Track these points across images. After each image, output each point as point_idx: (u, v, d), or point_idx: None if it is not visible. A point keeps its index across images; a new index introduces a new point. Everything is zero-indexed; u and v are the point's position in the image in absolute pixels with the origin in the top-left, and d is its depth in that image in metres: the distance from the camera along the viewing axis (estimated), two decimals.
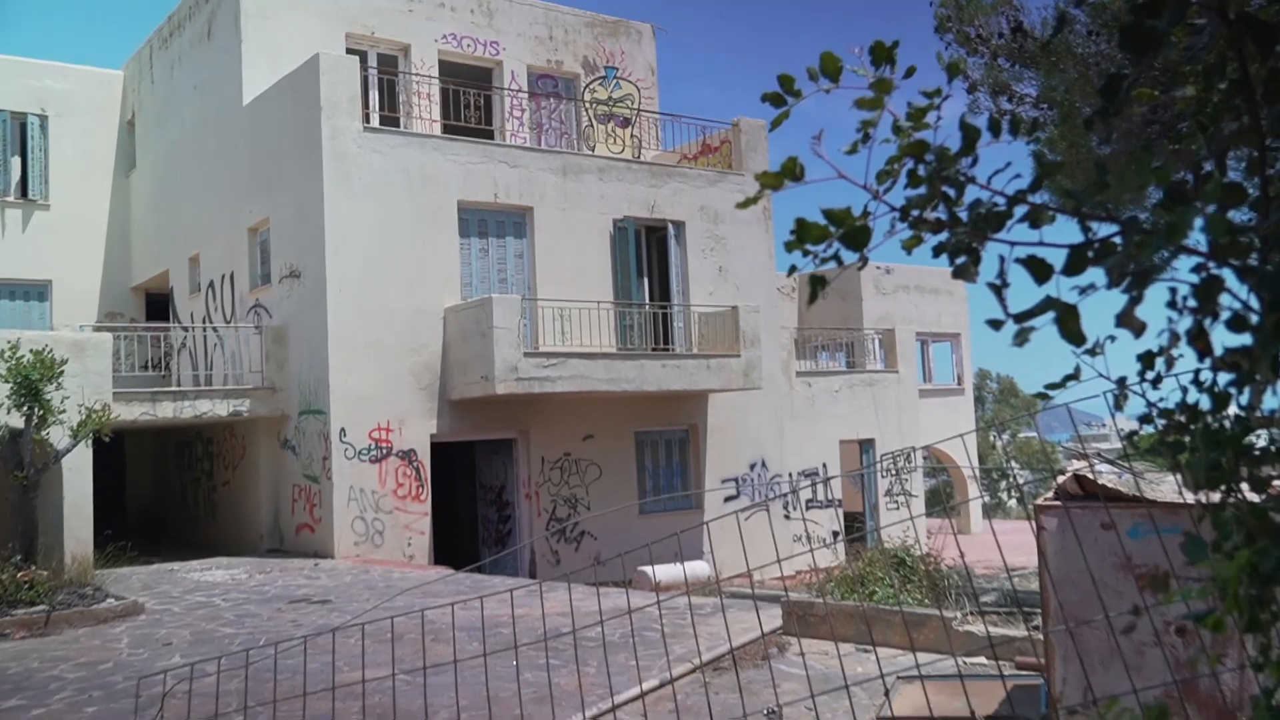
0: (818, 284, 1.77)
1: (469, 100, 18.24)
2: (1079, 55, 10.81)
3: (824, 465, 21.39)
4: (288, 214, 16.18)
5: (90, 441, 11.97)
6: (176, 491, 20.24)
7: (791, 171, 1.72)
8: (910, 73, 2.01)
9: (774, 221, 19.84)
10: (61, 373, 11.51)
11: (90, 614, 10.55)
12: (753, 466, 19.02)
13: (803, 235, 1.81)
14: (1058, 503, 4.95)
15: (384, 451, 15.25)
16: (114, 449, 20.49)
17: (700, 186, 18.60)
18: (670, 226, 18.13)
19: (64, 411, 11.69)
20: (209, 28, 18.98)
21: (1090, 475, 5.03)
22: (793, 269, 1.70)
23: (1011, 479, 44.34)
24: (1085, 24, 10.81)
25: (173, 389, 16.12)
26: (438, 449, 16.28)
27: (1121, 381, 1.82)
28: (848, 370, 22.95)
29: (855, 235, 1.66)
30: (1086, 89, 10.56)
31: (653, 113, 20.79)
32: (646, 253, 18.30)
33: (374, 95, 18.03)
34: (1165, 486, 4.69)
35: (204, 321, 18.98)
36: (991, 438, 45.14)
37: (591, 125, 20.53)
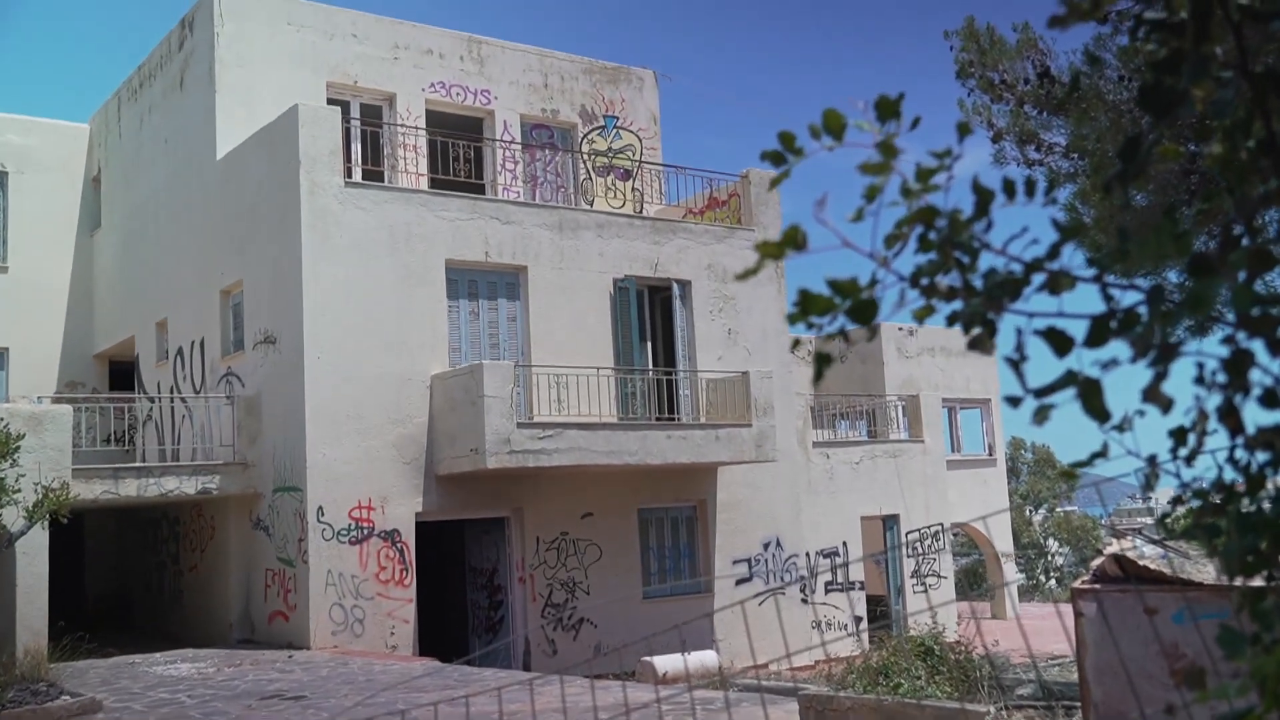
0: (823, 362, 1.80)
1: (458, 152, 18.46)
2: (1110, 101, 10.96)
3: (844, 544, 21.26)
4: (263, 275, 16.30)
5: (47, 523, 11.93)
6: (140, 577, 20.12)
7: (794, 240, 1.75)
8: (915, 124, 2.05)
9: (786, 280, 19.96)
10: (17, 448, 11.52)
11: (44, 713, 10.44)
12: (766, 546, 18.91)
13: (807, 307, 1.85)
14: (1096, 586, 4.93)
15: (365, 532, 15.20)
16: (72, 530, 20.40)
17: (707, 243, 18.75)
18: (675, 286, 18.24)
19: (19, 491, 11.68)
20: (181, 78, 19.30)
21: (1131, 555, 5.01)
22: (796, 343, 1.73)
23: (1049, 559, 44.00)
24: (1116, 68, 10.98)
25: (137, 465, 16.11)
26: (424, 529, 16.22)
27: (1153, 460, 1.83)
28: (869, 440, 22.92)
29: (862, 308, 1.69)
30: (1119, 137, 10.69)
31: (656, 164, 21.03)
32: (650, 314, 18.39)
33: (356, 148, 18.27)
34: (1213, 566, 4.68)
35: (171, 391, 19.03)
36: (1027, 512, 44.91)
37: (590, 178, 20.75)
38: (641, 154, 21.52)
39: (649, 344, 18.21)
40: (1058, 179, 11.58)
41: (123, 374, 22.02)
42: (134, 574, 20.39)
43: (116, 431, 20.31)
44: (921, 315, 1.97)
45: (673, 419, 17.29)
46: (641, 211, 20.32)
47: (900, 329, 25.47)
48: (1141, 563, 4.84)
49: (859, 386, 24.83)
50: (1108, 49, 11.04)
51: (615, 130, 21.52)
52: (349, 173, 16.97)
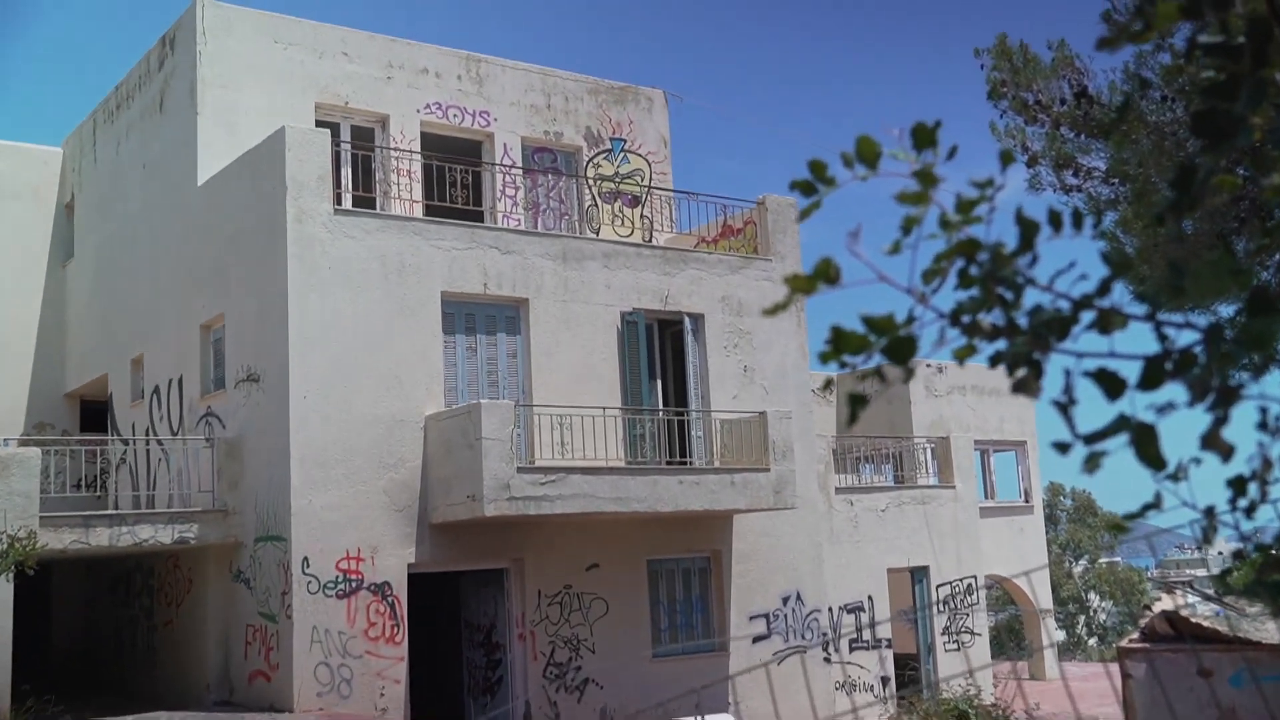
0: (858, 404, 1.81)
1: (455, 177, 18.57)
2: (1152, 123, 11.01)
3: (870, 599, 21.14)
4: (246, 309, 16.37)
5: (11, 575, 11.93)
6: (111, 633, 20.06)
7: (825, 274, 1.77)
8: (953, 153, 2.07)
9: (807, 315, 19.98)
10: None
11: None
12: (786, 600, 18.81)
13: (840, 345, 1.86)
14: (1146, 645, 4.90)
15: (354, 585, 15.16)
16: (38, 583, 20.34)
17: (721, 274, 18.79)
18: (687, 320, 18.27)
19: None
20: (161, 98, 19.47)
21: (1183, 612, 4.99)
22: (828, 382, 1.74)
23: (1092, 614, 43.72)
24: (1159, 87, 11.03)
25: (109, 512, 16.12)
26: (417, 581, 16.17)
27: (1210, 511, 1.83)
28: (896, 486, 22.85)
29: (899, 346, 1.71)
30: (1163, 161, 10.72)
31: (666, 190, 21.12)
32: (660, 350, 18.40)
33: (347, 173, 18.39)
34: (1276, 625, 4.65)
35: (147, 433, 19.06)
36: (1067, 564, 44.68)
37: (596, 205, 20.85)
38: (651, 179, 21.62)
39: (659, 382, 18.21)
40: (1098, 206, 11.60)
41: (95, 415, 22.07)
42: (104, 630, 20.34)
43: (88, 476, 20.33)
44: (963, 355, 1.97)
45: (685, 463, 17.26)
46: (651, 240, 20.38)
47: (929, 365, 25.44)
48: (1195, 620, 4.82)
49: (884, 427, 24.78)
50: (1149, 67, 11.09)
51: (623, 154, 21.64)
52: (339, 199, 17.06)
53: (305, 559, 14.90)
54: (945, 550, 22.52)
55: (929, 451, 23.89)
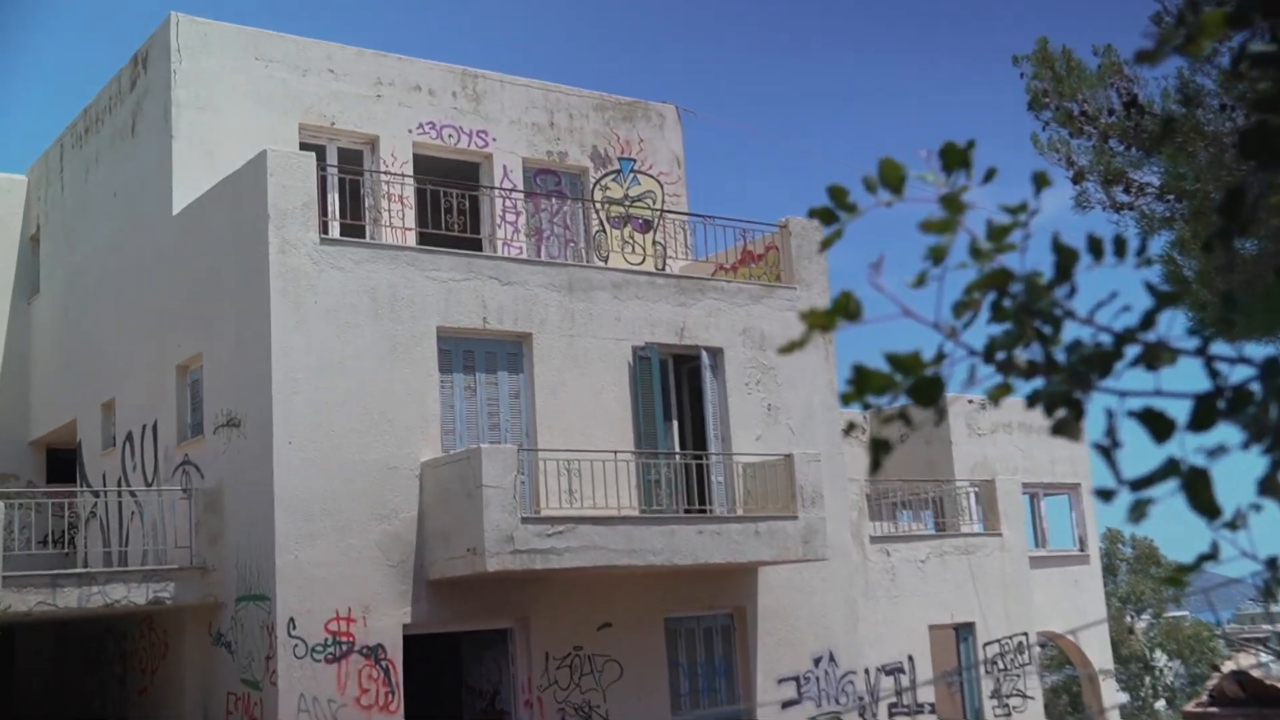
0: (880, 450, 1.81)
1: (451, 203, 18.64)
2: (1210, 134, 11.01)
3: (910, 659, 21.01)
4: (226, 348, 16.44)
5: None
6: (80, 701, 20.04)
7: (845, 309, 1.78)
8: (990, 176, 2.08)
9: (836, 347, 19.97)
10: None
11: None
12: (818, 662, 18.70)
13: (862, 385, 1.87)
14: (1214, 709, 4.87)
15: (344, 648, 15.14)
16: (1, 648, 20.37)
17: (742, 304, 18.82)
18: (705, 354, 18.28)
19: None
20: (133, 122, 19.64)
21: (1255, 672, 4.96)
22: (850, 427, 1.74)
23: (1157, 674, 43.35)
24: (1216, 95, 11.04)
25: (78, 570, 16.14)
26: (413, 643, 16.13)
27: (1272, 563, 1.83)
28: (936, 534, 22.75)
29: (926, 386, 1.71)
30: (1222, 174, 10.71)
31: (680, 214, 21.18)
32: (676, 388, 18.40)
33: (334, 199, 18.49)
34: None
35: (119, 484, 19.11)
36: (1128, 619, 44.33)
37: (604, 230, 20.92)
38: (663, 201, 21.69)
39: (675, 423, 18.20)
40: (1152, 225, 11.59)
41: (63, 464, 22.12)
42: (73, 698, 20.31)
43: (55, 531, 20.36)
44: (997, 395, 1.98)
45: (704, 511, 17.22)
46: (664, 268, 20.43)
47: (970, 401, 25.40)
48: (1269, 682, 4.79)
49: (923, 470, 24.71)
50: (1205, 73, 11.11)
51: (633, 175, 21.73)
52: (325, 228, 17.15)
53: (291, 620, 14.89)
54: (993, 605, 22.38)
55: (973, 496, 23.80)
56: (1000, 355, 1.87)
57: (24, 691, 21.32)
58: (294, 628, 14.90)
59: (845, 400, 1.83)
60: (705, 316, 18.47)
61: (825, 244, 2.12)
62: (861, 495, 21.18)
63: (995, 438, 25.89)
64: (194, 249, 17.55)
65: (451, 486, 15.41)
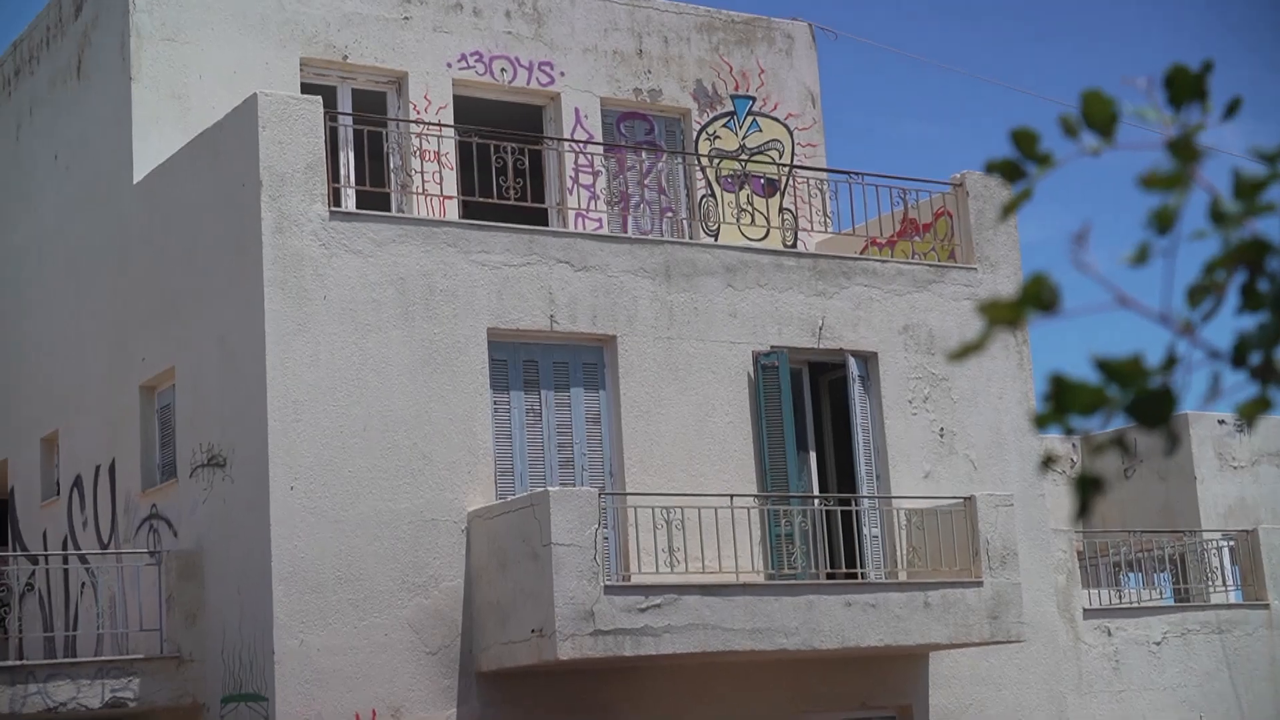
0: (1089, 490, 1.80)
1: (506, 162, 18.63)
2: None
3: None
4: (206, 361, 16.61)
5: None
6: None
7: (1037, 298, 1.76)
8: (1233, 110, 2.06)
9: (1032, 350, 19.73)
10: None
11: None
12: None
13: (1063, 402, 1.85)
14: None
15: None
16: None
17: (902, 291, 18.66)
18: (853, 362, 18.16)
19: None
20: (79, 59, 19.86)
21: None
22: (1047, 461, 1.73)
23: None
24: None
25: (10, 663, 16.33)
26: None
27: None
28: (1177, 605, 22.41)
29: (1152, 402, 1.69)
30: None
31: (817, 170, 21.04)
32: (813, 408, 18.30)
33: (348, 159, 18.55)
34: None
35: (65, 545, 19.30)
36: None
37: (713, 195, 20.86)
38: (793, 155, 21.58)
39: (812, 455, 18.10)
40: None
41: None
42: None
43: None
44: (1250, 411, 1.95)
45: (854, 576, 17.10)
46: (795, 245, 20.33)
47: (1221, 422, 24.98)
48: None
49: (1156, 516, 24.34)
50: None
51: (751, 119, 21.64)
52: (336, 197, 17.21)
53: None
54: (1260, 703, 21.99)
55: (1226, 552, 23.40)
56: (1254, 357, 1.85)
57: None
58: None
59: (1039, 423, 1.82)
60: (852, 310, 18.34)
61: (1009, 207, 2.11)
62: (1072, 552, 20.91)
63: (1257, 471, 25.39)
64: (162, 229, 17.72)
65: (510, 545, 15.44)
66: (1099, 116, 1.99)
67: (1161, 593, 23.68)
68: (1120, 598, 22.78)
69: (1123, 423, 1.95)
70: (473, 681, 15.80)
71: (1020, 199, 2.00)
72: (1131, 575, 23.94)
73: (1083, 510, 1.84)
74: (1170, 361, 1.85)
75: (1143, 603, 22.67)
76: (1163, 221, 1.91)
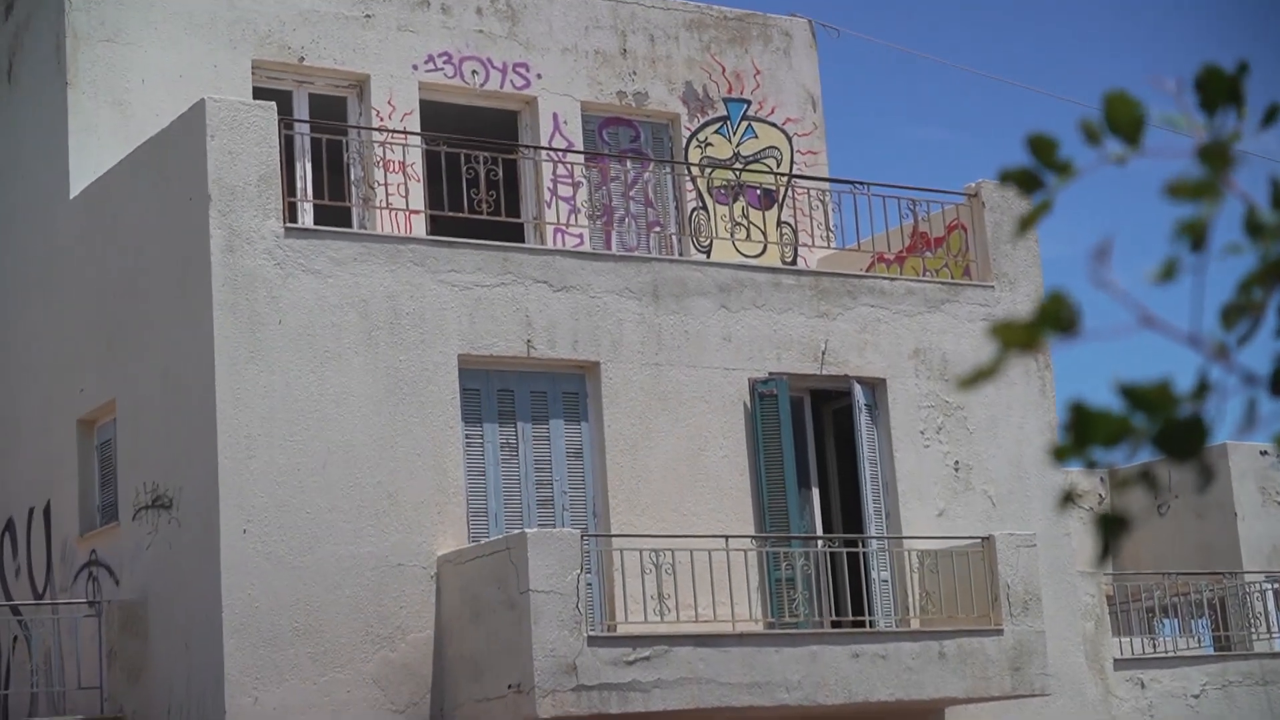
0: (1113, 530, 1.81)
1: (478, 172, 18.64)
2: None
3: None
4: (149, 393, 16.59)
5: None
6: None
7: (1055, 319, 1.76)
8: (1273, 116, 2.07)
9: (1055, 375, 19.74)
10: None
11: None
12: None
13: (1085, 432, 1.85)
14: None
15: None
16: None
17: (912, 312, 18.69)
18: (858, 389, 18.17)
19: None
20: (9, 62, 19.82)
21: None
22: (1067, 498, 1.72)
23: None
24: None
25: None
26: None
27: None
28: (1217, 655, 22.42)
29: (1181, 433, 1.69)
30: None
31: (818, 180, 21.08)
32: (816, 440, 18.31)
33: (305, 169, 18.52)
34: None
35: None
36: None
37: (704, 208, 20.88)
38: (792, 162, 21.62)
39: (815, 491, 18.11)
40: None
41: None
42: None
43: None
44: None
45: (862, 624, 17.11)
46: (795, 262, 20.36)
47: (1264, 453, 25.01)
48: None
49: (1194, 557, 24.35)
50: None
51: (746, 124, 21.67)
52: (292, 212, 17.24)
53: None
54: None
55: (1271, 596, 23.42)
56: None
57: None
58: None
59: (1058, 456, 1.82)
60: (858, 333, 18.37)
61: (1027, 221, 2.12)
62: (1101, 597, 20.93)
63: None
64: (102, 247, 17.71)
65: (484, 592, 15.44)
66: (1124, 121, 2.00)
67: (1200, 641, 23.68)
68: (1154, 646, 22.78)
69: (1150, 455, 1.95)
70: None
71: (1039, 212, 2.01)
72: (1167, 621, 23.93)
73: (1107, 552, 1.84)
74: (1201, 388, 1.86)
75: (1179, 652, 22.67)
76: (1192, 234, 1.92)
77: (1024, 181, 2.06)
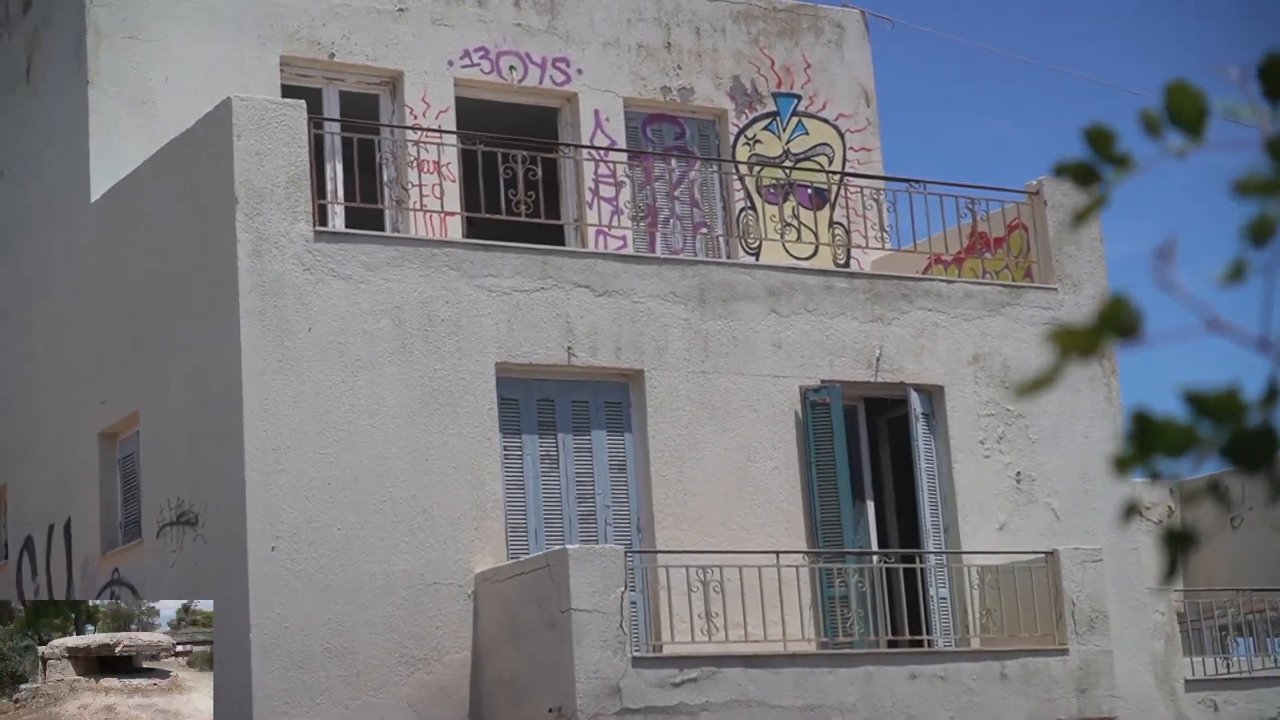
0: (1180, 546, 1.79)
1: (516, 172, 18.64)
2: None
3: None
4: (174, 405, 16.63)
5: None
6: None
7: (1115, 323, 1.75)
8: None
9: (1121, 381, 19.64)
10: None
11: None
12: None
13: (1147, 442, 1.84)
14: None
15: None
16: None
17: (972, 316, 18.62)
18: (915, 397, 18.12)
19: None
20: (27, 62, 19.92)
21: None
22: (1132, 510, 1.71)
23: None
24: None
25: None
26: None
27: None
28: None
29: (1249, 442, 1.67)
30: None
31: (872, 178, 21.01)
32: (871, 451, 18.26)
33: (336, 170, 18.55)
34: None
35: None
36: None
37: (753, 208, 20.85)
38: (845, 160, 21.57)
39: (870, 504, 18.07)
40: None
41: None
42: None
43: None
44: None
45: (920, 643, 17.07)
46: (848, 264, 20.31)
47: None
48: None
49: (1270, 573, 24.21)
50: None
51: (797, 120, 21.64)
52: (323, 215, 17.25)
53: None
54: None
55: None
56: None
57: None
58: None
59: (1121, 466, 1.80)
60: (914, 338, 18.31)
61: (1082, 215, 2.10)
62: (1171, 615, 20.82)
63: None
64: (123, 253, 17.76)
65: (523, 611, 15.44)
66: (1185, 112, 1.98)
67: (1276, 661, 23.54)
68: (1228, 666, 22.65)
69: (1218, 466, 1.92)
70: None
71: (1095, 205, 1.99)
72: (1241, 640, 23.78)
73: (1173, 568, 1.82)
74: (1271, 395, 1.84)
75: (1254, 672, 22.54)
76: (1260, 233, 1.90)
77: (1081, 175, 2.04)
